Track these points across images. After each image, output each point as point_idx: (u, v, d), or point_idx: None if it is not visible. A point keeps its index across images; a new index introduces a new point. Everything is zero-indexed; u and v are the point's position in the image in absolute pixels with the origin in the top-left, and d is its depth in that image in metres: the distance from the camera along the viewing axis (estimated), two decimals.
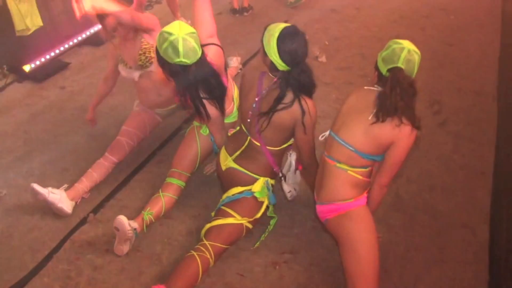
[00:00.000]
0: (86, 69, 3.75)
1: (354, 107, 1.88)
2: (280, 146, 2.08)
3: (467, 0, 4.92)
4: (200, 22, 2.13)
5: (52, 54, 3.74)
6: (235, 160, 2.13)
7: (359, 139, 1.82)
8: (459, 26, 4.43)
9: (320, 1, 4.98)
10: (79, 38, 4.00)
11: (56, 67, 3.69)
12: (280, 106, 1.90)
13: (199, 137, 2.38)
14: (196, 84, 1.97)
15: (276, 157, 2.11)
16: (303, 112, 1.89)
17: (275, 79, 1.92)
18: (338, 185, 1.89)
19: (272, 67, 1.91)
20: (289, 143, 2.11)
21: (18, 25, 3.41)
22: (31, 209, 2.42)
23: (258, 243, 2.20)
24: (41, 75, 3.57)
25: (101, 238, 2.18)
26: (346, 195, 1.88)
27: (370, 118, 1.78)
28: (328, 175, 1.92)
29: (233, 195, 2.11)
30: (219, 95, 2.07)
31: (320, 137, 2.06)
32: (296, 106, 1.89)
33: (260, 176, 2.11)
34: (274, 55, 1.84)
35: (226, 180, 2.20)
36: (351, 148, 1.84)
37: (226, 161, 2.17)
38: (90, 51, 4.04)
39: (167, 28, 1.86)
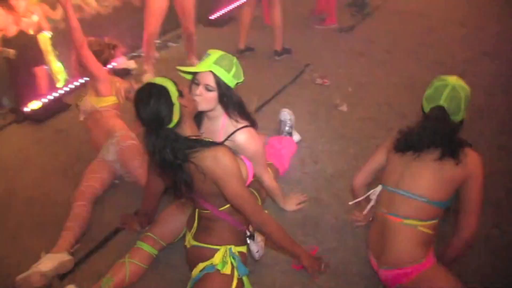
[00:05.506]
0: None
1: (407, 155, 1.74)
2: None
3: None
4: None
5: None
6: (194, 237, 1.81)
7: (431, 186, 1.68)
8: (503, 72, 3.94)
9: (349, 43, 4.63)
10: None
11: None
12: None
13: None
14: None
15: (236, 215, 1.76)
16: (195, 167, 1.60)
17: None
18: (407, 245, 1.71)
19: None
20: None
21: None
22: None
23: None
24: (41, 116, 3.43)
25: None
26: (416, 256, 1.70)
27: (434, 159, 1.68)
28: (392, 235, 1.75)
29: (195, 276, 1.75)
30: None
31: (350, 203, 2.11)
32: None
33: (223, 246, 1.76)
34: None
35: (190, 259, 1.85)
36: (422, 199, 1.69)
37: (188, 238, 1.86)
38: None
39: None
